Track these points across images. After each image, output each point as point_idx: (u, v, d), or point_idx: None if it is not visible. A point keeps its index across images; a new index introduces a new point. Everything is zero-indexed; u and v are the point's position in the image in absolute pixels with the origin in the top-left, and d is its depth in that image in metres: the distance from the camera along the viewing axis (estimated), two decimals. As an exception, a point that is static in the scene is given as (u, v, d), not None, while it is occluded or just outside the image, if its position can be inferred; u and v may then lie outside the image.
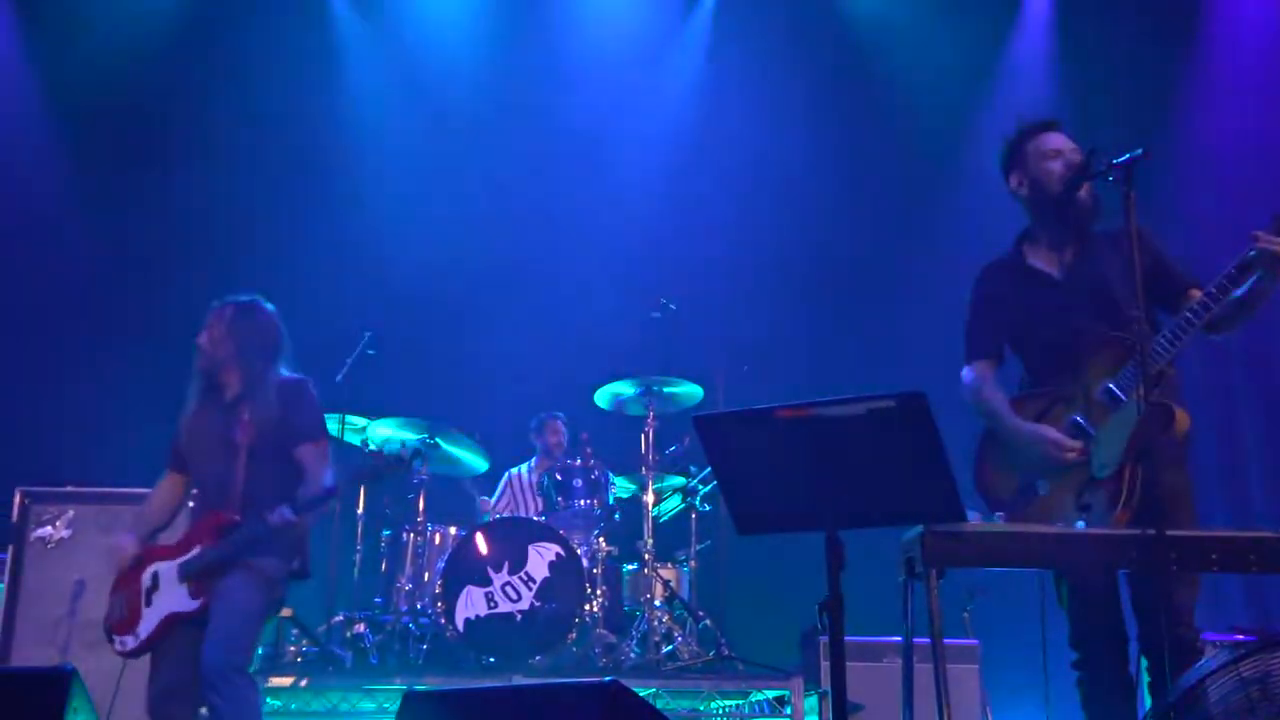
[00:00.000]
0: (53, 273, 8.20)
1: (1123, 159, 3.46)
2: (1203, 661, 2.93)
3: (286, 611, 6.07)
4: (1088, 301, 3.90)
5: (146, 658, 4.36)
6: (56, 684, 2.42)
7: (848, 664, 3.20)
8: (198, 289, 7.21)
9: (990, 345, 4.08)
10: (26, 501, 5.72)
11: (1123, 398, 3.69)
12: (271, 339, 4.58)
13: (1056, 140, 4.01)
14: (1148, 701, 3.68)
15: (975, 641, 6.27)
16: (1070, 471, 3.75)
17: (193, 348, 4.57)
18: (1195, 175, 7.74)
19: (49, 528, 5.69)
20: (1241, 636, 5.20)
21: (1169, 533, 3.21)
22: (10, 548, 5.68)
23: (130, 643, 4.34)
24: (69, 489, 5.76)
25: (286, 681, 5.79)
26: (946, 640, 3.44)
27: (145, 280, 8.21)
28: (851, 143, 8.66)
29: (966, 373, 4.08)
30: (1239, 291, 3.63)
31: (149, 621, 4.33)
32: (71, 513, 5.70)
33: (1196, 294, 3.75)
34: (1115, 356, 3.74)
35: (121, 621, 4.37)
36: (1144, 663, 3.68)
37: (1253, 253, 3.57)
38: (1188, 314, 3.64)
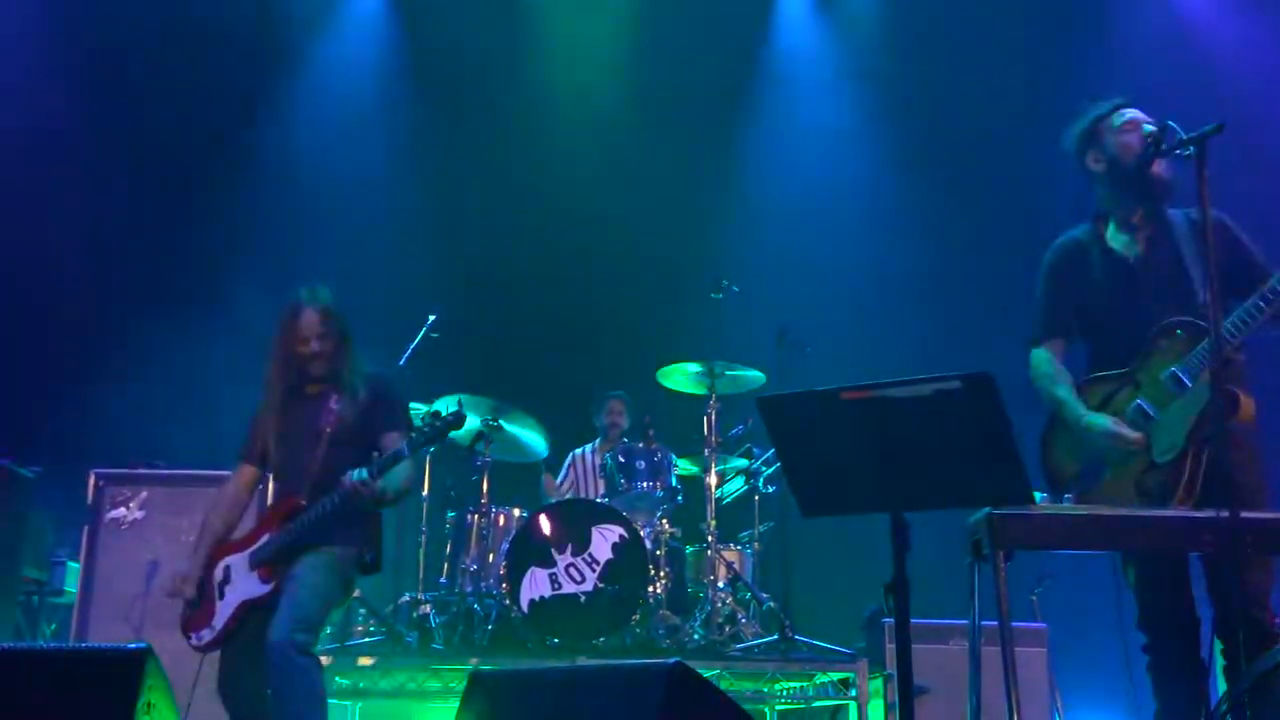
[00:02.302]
0: (123, 262, 8.33)
1: (1196, 133, 3.38)
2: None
3: (355, 593, 6.16)
4: (1160, 285, 3.84)
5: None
6: (132, 662, 2.45)
7: (913, 646, 3.18)
8: (261, 276, 7.37)
9: (1060, 326, 4.04)
10: (100, 484, 5.81)
11: (1188, 383, 3.63)
12: (347, 332, 4.61)
13: (1135, 115, 3.94)
14: (1223, 686, 3.62)
15: (1044, 625, 6.22)
16: (1131, 458, 3.72)
17: (260, 333, 4.61)
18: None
19: (122, 509, 5.78)
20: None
21: (1243, 514, 3.15)
22: (85, 529, 5.77)
23: (207, 635, 4.40)
24: (141, 471, 5.84)
25: (359, 662, 5.85)
26: (1014, 624, 3.41)
27: (211, 270, 8.31)
28: (909, 138, 8.61)
29: (1034, 354, 4.03)
30: None
31: (223, 613, 4.39)
32: (144, 494, 5.78)
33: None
34: (1183, 341, 3.68)
35: (197, 617, 4.44)
36: (1218, 647, 3.62)
37: None
38: (1259, 300, 3.56)
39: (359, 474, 4.25)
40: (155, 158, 8.51)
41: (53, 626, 6.43)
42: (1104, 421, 3.75)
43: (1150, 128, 3.81)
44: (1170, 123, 3.55)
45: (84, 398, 7.92)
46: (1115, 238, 3.97)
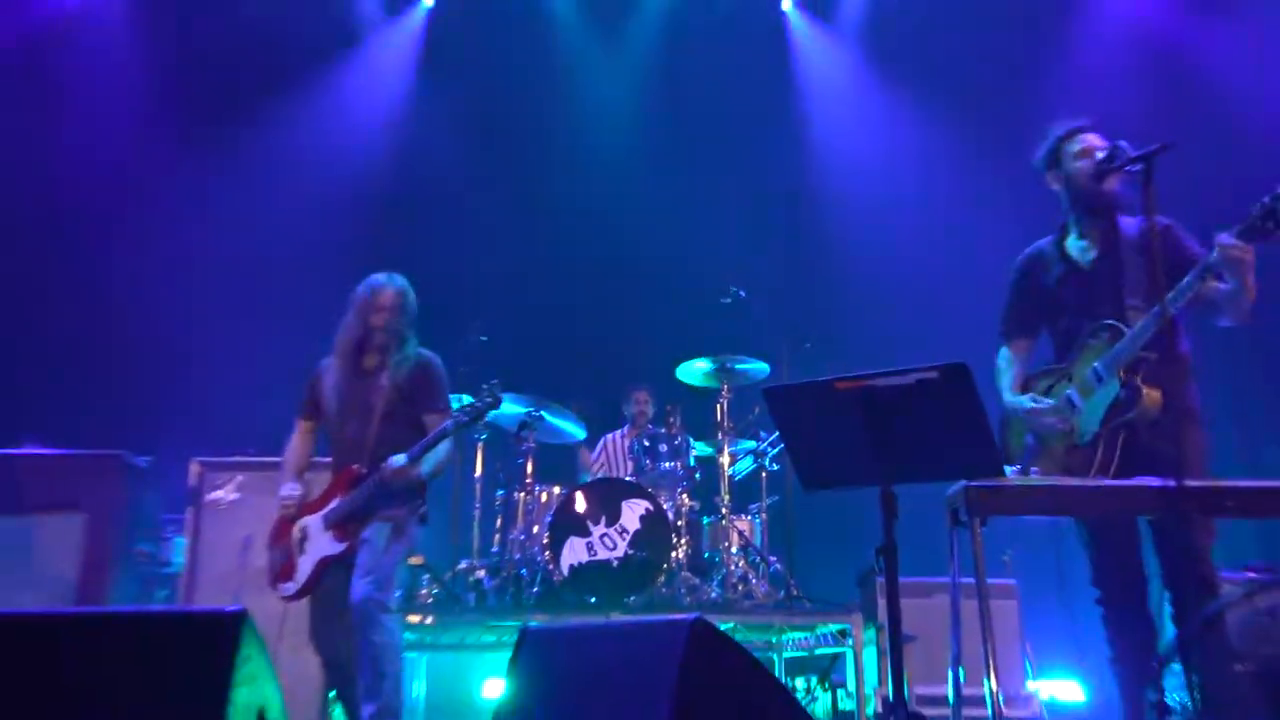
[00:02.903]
0: (212, 268, 8.38)
1: (1143, 153, 3.36)
2: (1223, 595, 2.85)
3: (419, 560, 6.17)
4: (1106, 288, 3.82)
5: (304, 602, 4.44)
6: (231, 623, 2.46)
7: (901, 601, 3.17)
8: (333, 278, 7.40)
9: (1024, 327, 4.04)
10: (201, 471, 5.83)
11: (1105, 377, 3.63)
12: (412, 317, 4.62)
13: (1089, 140, 3.93)
14: (1169, 632, 3.60)
15: (1014, 581, 6.19)
16: (1059, 437, 3.75)
17: (323, 336, 4.63)
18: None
19: (220, 492, 5.80)
20: (1254, 575, 5.09)
21: (1189, 483, 3.14)
22: (190, 510, 5.80)
23: (291, 588, 4.43)
24: (236, 459, 5.85)
25: (420, 619, 5.87)
26: (988, 580, 3.40)
27: (289, 271, 8.37)
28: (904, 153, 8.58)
29: (1001, 351, 4.06)
30: (1189, 285, 3.49)
31: (304, 569, 4.41)
32: (238, 479, 5.79)
33: (1214, 284, 3.64)
34: (1107, 341, 3.68)
35: (282, 572, 4.46)
36: (1166, 597, 3.60)
37: (1214, 257, 3.45)
38: (1152, 316, 3.51)
39: (398, 459, 4.28)
40: (247, 182, 8.58)
41: (164, 593, 6.45)
42: (1023, 400, 3.83)
43: (1101, 153, 3.79)
44: (1121, 143, 3.53)
45: (185, 395, 7.98)
46: (1074, 245, 3.96)
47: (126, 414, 7.65)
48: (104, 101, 8.28)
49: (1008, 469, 3.78)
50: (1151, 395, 3.57)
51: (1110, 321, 3.69)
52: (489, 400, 4.54)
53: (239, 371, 8.00)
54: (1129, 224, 3.87)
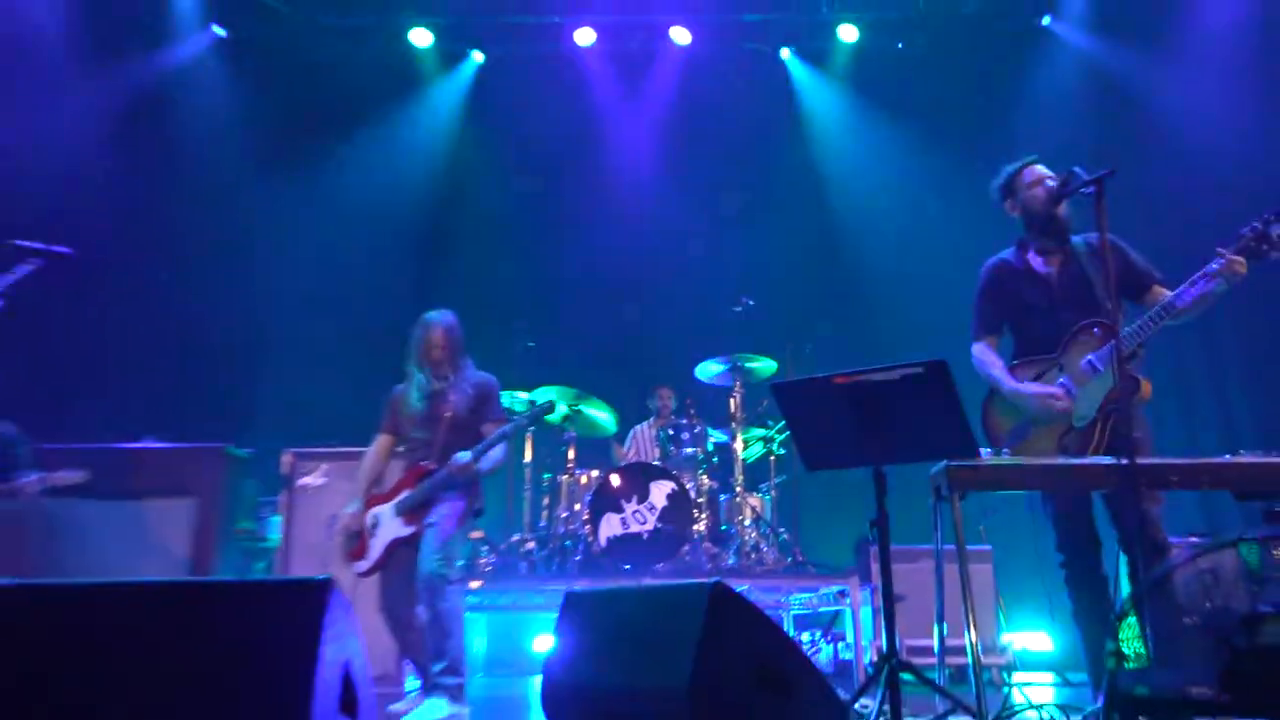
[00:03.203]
0: (300, 284, 8.47)
1: (1093, 177, 3.33)
2: (1170, 557, 2.83)
3: (479, 534, 6.21)
4: (1071, 295, 3.80)
5: (375, 577, 4.48)
6: (320, 589, 2.47)
7: (892, 565, 3.17)
8: (401, 290, 7.46)
9: (994, 325, 3.99)
10: (292, 460, 5.88)
11: (1100, 369, 3.60)
12: (462, 343, 4.64)
13: (1038, 171, 3.92)
14: (1126, 589, 3.58)
15: (989, 548, 6.16)
16: (1055, 421, 3.68)
17: (395, 342, 4.67)
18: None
19: (309, 478, 5.83)
20: (1196, 539, 5.04)
21: (1140, 461, 3.12)
22: (283, 493, 5.85)
23: (364, 566, 4.44)
24: (322, 449, 5.88)
25: (480, 585, 5.90)
26: (967, 547, 3.39)
27: (363, 285, 8.46)
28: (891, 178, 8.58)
29: (975, 346, 3.99)
30: (1195, 293, 3.51)
31: (376, 549, 4.42)
32: (324, 466, 5.82)
33: (1159, 290, 3.69)
34: (1097, 338, 3.65)
35: (356, 550, 4.49)
36: (1122, 559, 3.57)
37: (1214, 267, 3.46)
38: (1159, 310, 3.53)
39: (464, 456, 4.31)
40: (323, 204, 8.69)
41: (262, 564, 6.51)
42: (1029, 387, 3.73)
43: (1052, 181, 3.79)
44: (1076, 169, 3.49)
45: (279, 395, 8.05)
46: (1034, 259, 3.93)
47: (229, 412, 7.74)
48: (207, 137, 8.38)
49: (992, 451, 3.75)
50: (1146, 385, 3.55)
51: (1098, 320, 3.64)
52: (544, 406, 4.59)
53: (323, 373, 8.06)
54: (1078, 240, 3.87)
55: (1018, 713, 3.47)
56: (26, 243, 3.80)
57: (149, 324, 8.05)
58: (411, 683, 5.08)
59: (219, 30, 8.63)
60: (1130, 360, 3.53)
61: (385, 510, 4.47)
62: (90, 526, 5.72)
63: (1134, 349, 3.58)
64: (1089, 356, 3.65)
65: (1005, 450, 3.76)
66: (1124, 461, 3.08)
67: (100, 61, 7.90)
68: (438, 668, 4.20)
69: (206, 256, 8.16)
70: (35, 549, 5.62)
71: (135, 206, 7.97)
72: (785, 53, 9.14)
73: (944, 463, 3.40)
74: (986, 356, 3.94)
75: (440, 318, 4.61)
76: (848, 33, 8.78)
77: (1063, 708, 3.51)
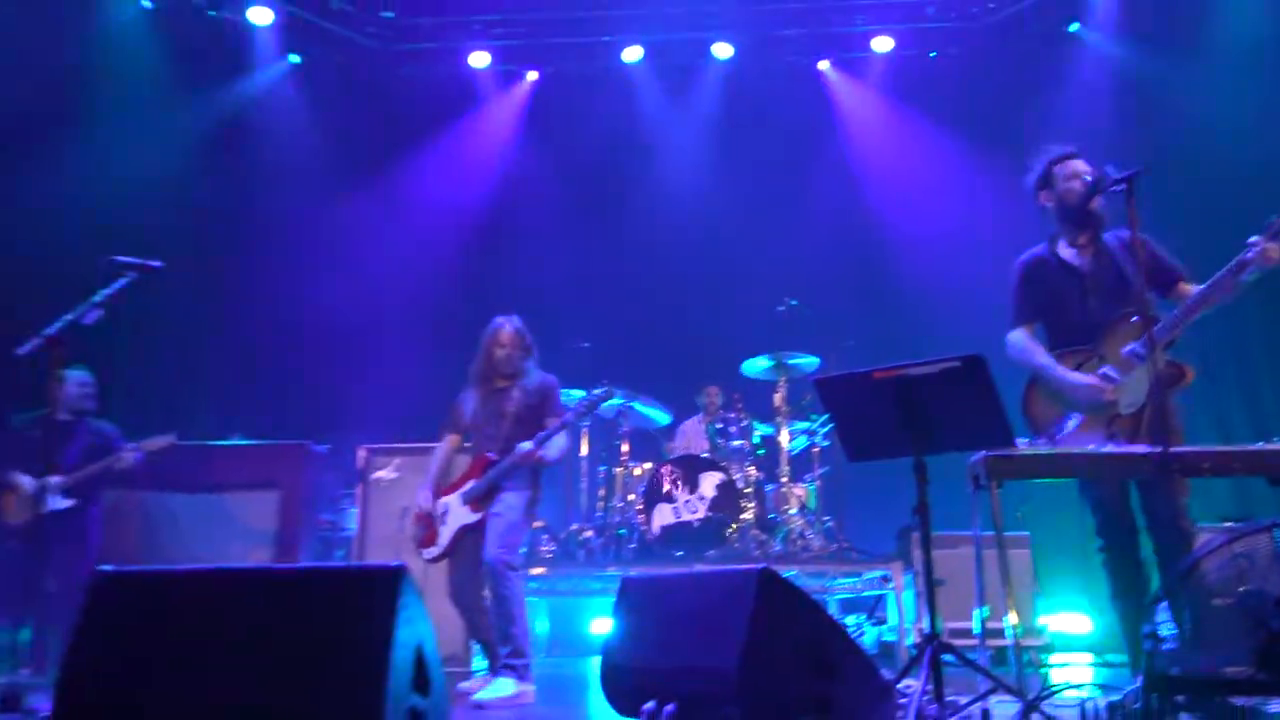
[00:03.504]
0: (371, 292, 8.60)
1: (1125, 175, 3.26)
2: (1205, 540, 2.77)
3: (540, 523, 6.25)
4: (1105, 287, 3.70)
5: (444, 563, 4.52)
6: (394, 576, 2.51)
7: (933, 551, 3.14)
8: (465, 303, 7.54)
9: (1029, 315, 3.88)
10: (367, 455, 5.95)
11: (1144, 356, 3.49)
12: (528, 345, 4.67)
13: (1077, 166, 3.80)
14: (1153, 574, 3.51)
15: (1026, 534, 6.05)
16: (1102, 410, 3.59)
17: (461, 344, 4.72)
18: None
19: (382, 472, 5.91)
20: (1230, 524, 4.91)
21: (1172, 449, 3.05)
22: (359, 486, 5.92)
23: (434, 552, 4.49)
24: (395, 445, 5.95)
25: (541, 571, 5.95)
26: (1005, 533, 3.34)
27: (430, 291, 8.56)
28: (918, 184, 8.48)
29: (1013, 334, 3.87)
30: (1229, 281, 3.42)
31: (445, 536, 4.46)
32: (397, 461, 5.88)
33: (1184, 286, 3.61)
34: (1134, 327, 3.53)
35: (426, 538, 4.54)
36: (1153, 546, 3.50)
37: (1250, 255, 3.36)
38: (1196, 298, 3.45)
39: (527, 445, 4.34)
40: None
41: (340, 553, 6.61)
42: (1088, 376, 3.62)
43: (1089, 177, 3.69)
44: (1108, 168, 3.41)
45: (354, 394, 8.17)
46: (1066, 252, 3.85)
47: (310, 410, 7.87)
48: (287, 154, 8.59)
49: (1032, 439, 3.66)
50: (1189, 372, 3.46)
51: (1135, 310, 3.49)
52: (600, 394, 4.60)
53: (394, 373, 8.18)
54: (1109, 236, 3.77)
55: (1057, 692, 3.41)
56: (124, 258, 3.90)
57: (237, 332, 8.27)
58: (479, 663, 5.13)
59: (294, 58, 8.85)
60: (1168, 348, 3.45)
61: (453, 499, 4.51)
62: (185, 517, 5.87)
63: (1170, 338, 3.49)
64: (1131, 345, 3.55)
65: (1044, 439, 3.68)
66: (1157, 450, 3.02)
67: (193, 90, 8.19)
68: (505, 649, 4.23)
69: (287, 270, 8.33)
70: (140, 537, 5.80)
71: (223, 222, 8.21)
72: (823, 64, 9.11)
73: (982, 452, 3.36)
74: (1028, 344, 3.82)
75: (508, 320, 4.66)
76: (882, 43, 8.78)
77: (1102, 687, 3.44)
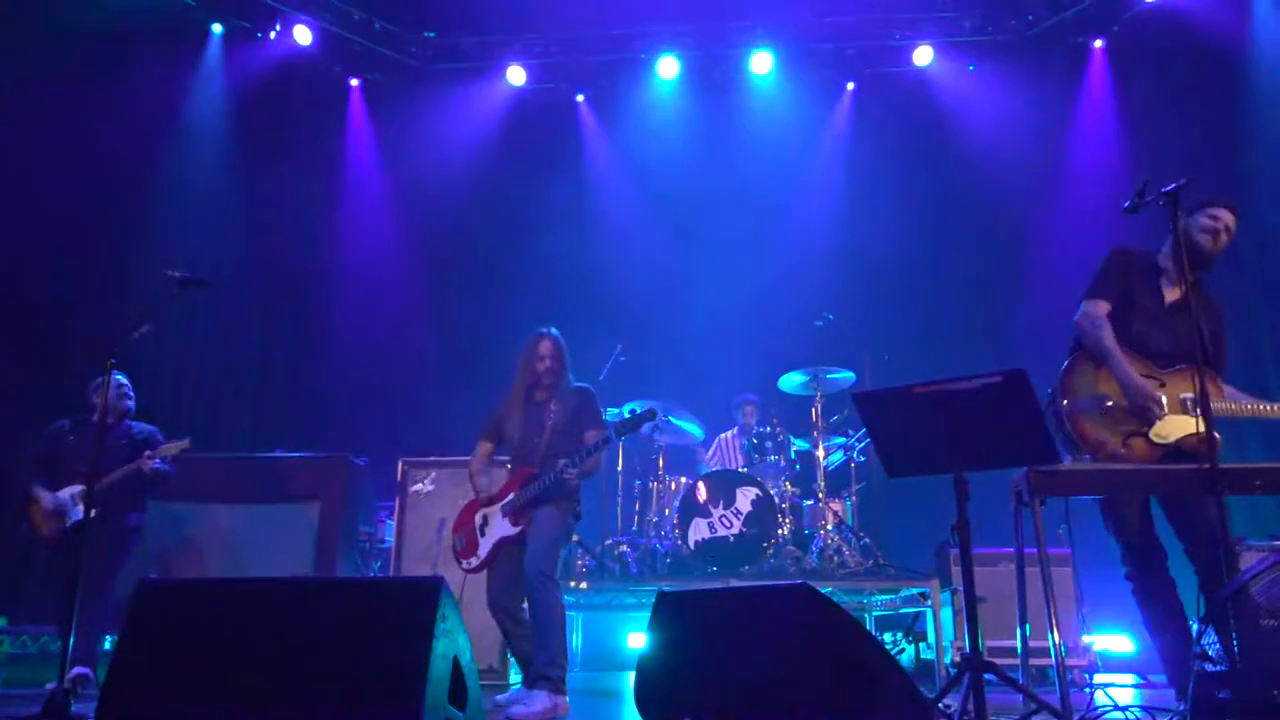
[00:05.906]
0: (409, 322, 8.72)
1: (1169, 188, 3.20)
2: (1252, 564, 2.69)
3: (575, 538, 6.23)
4: (1172, 325, 3.66)
5: (483, 575, 4.53)
6: (432, 587, 2.52)
7: (974, 569, 3.08)
8: (502, 319, 7.58)
9: (1110, 294, 3.74)
10: (405, 467, 5.97)
11: (1190, 412, 3.49)
12: (567, 358, 4.68)
13: (1227, 220, 3.68)
14: (1191, 598, 3.43)
15: (1069, 550, 5.92)
16: (1136, 418, 3.54)
17: (497, 360, 4.75)
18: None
19: (420, 484, 5.94)
20: (1279, 541, 4.79)
21: (1221, 466, 2.98)
22: (397, 499, 5.95)
23: (473, 562, 4.50)
24: (432, 458, 5.97)
25: (577, 585, 5.93)
26: (1048, 550, 3.28)
27: (467, 319, 8.66)
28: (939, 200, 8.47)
29: (1092, 305, 3.74)
30: None
31: (485, 547, 4.48)
32: (434, 474, 5.91)
33: (1220, 384, 3.62)
34: (1190, 380, 3.48)
35: (466, 549, 4.55)
36: (1193, 568, 3.43)
37: None
38: (1263, 408, 3.59)
39: (565, 464, 4.33)
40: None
41: (378, 564, 6.64)
42: (1149, 386, 3.57)
43: (1227, 236, 3.65)
44: (1147, 182, 3.33)
45: (392, 410, 8.26)
46: (1164, 277, 3.77)
47: (349, 425, 7.97)
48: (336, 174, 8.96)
49: (1085, 457, 3.58)
50: (1217, 444, 3.29)
51: (1191, 366, 3.46)
52: (642, 415, 4.59)
53: (430, 392, 8.27)
54: (1209, 279, 3.71)
55: (1104, 714, 3.33)
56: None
57: (284, 348, 8.47)
58: (515, 676, 5.12)
59: (354, 81, 9.30)
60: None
61: (494, 511, 4.52)
62: (227, 528, 5.95)
63: (1225, 415, 3.50)
64: (1190, 395, 3.52)
65: (1087, 458, 3.61)
66: (1204, 466, 2.95)
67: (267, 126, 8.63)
68: (541, 659, 4.22)
69: (336, 288, 8.60)
70: (183, 548, 5.88)
71: (277, 241, 8.45)
72: (852, 83, 9.18)
73: (1025, 468, 3.30)
74: (1105, 323, 3.70)
75: (548, 332, 4.68)
76: (922, 55, 8.89)
77: (1148, 709, 3.36)
